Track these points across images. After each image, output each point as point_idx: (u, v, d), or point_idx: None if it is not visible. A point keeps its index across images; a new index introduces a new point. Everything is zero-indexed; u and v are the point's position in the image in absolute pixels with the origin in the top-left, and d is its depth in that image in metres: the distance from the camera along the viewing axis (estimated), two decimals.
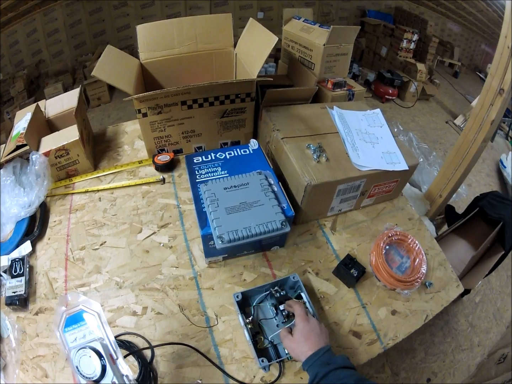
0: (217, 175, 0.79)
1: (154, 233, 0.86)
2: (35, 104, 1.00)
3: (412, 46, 3.17)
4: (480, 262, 1.35)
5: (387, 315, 0.78)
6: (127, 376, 0.50)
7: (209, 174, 0.79)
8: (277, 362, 0.68)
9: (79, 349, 0.50)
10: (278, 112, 0.91)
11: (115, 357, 0.51)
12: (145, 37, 0.96)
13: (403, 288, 0.80)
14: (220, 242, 0.67)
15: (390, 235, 0.88)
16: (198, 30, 0.96)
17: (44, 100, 1.05)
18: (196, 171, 0.79)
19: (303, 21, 1.09)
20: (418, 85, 3.08)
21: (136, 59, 0.95)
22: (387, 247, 0.87)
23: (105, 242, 0.86)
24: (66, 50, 3.02)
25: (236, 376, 0.69)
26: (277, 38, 0.84)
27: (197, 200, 0.74)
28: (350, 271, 0.79)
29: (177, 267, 0.81)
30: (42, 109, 1.02)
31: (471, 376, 1.33)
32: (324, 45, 0.96)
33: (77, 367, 0.49)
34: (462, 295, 0.87)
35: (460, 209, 1.38)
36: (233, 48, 0.98)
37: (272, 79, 0.87)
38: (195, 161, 0.81)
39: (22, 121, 0.99)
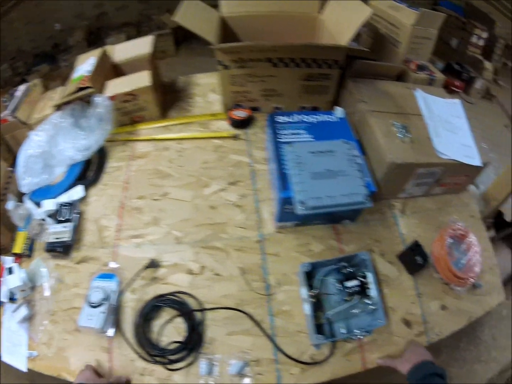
0: (302, 138, 0.75)
1: (223, 189, 0.82)
2: (102, 48, 0.95)
3: (482, 42, 3.11)
4: None
5: (438, 309, 0.76)
6: None
7: (293, 135, 0.75)
8: (332, 341, 0.67)
9: None
10: (365, 84, 0.87)
11: None
12: None
13: (457, 284, 0.78)
14: (302, 207, 0.64)
15: (454, 228, 0.86)
16: None
17: (111, 45, 0.99)
18: (279, 131, 0.75)
19: None
20: (484, 83, 3.04)
21: (216, 11, 0.90)
22: (450, 240, 0.85)
23: (168, 193, 0.82)
24: (130, 5, 3.00)
25: (286, 350, 0.67)
26: (371, 10, 0.79)
27: (279, 160, 0.70)
28: (415, 257, 0.77)
29: (243, 228, 0.77)
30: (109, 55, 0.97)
31: None
32: (412, 25, 0.94)
33: None
34: None
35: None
36: (318, 14, 0.94)
37: (369, 51, 0.83)
38: (278, 120, 0.77)
39: (85, 64, 0.94)
